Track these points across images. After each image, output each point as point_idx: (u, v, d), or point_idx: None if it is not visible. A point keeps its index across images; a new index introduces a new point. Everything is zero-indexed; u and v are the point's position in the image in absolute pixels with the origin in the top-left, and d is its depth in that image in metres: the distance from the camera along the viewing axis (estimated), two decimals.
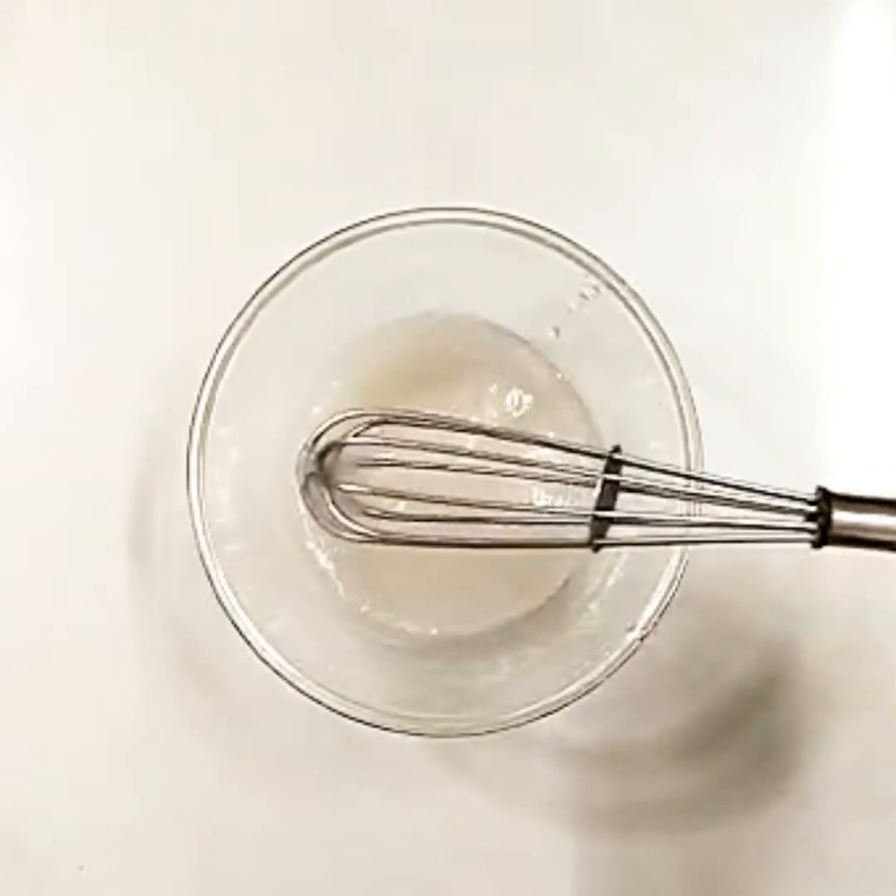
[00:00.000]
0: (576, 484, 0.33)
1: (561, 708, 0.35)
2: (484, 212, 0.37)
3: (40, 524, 0.44)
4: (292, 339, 0.39)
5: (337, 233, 0.37)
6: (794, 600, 0.44)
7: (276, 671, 0.35)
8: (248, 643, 0.35)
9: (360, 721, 0.35)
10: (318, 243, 0.37)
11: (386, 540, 0.33)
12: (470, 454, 0.34)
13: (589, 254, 0.37)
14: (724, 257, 0.46)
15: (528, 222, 0.37)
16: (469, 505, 0.33)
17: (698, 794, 0.43)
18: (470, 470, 0.34)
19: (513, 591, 0.41)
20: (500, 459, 0.33)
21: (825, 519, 0.29)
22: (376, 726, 0.35)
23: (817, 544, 0.29)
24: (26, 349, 0.45)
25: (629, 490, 0.32)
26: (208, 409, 0.36)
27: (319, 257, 0.37)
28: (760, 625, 0.44)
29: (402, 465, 0.34)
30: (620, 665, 0.35)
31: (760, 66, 0.47)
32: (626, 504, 0.32)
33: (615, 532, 0.32)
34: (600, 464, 0.32)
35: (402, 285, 0.40)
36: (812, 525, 0.29)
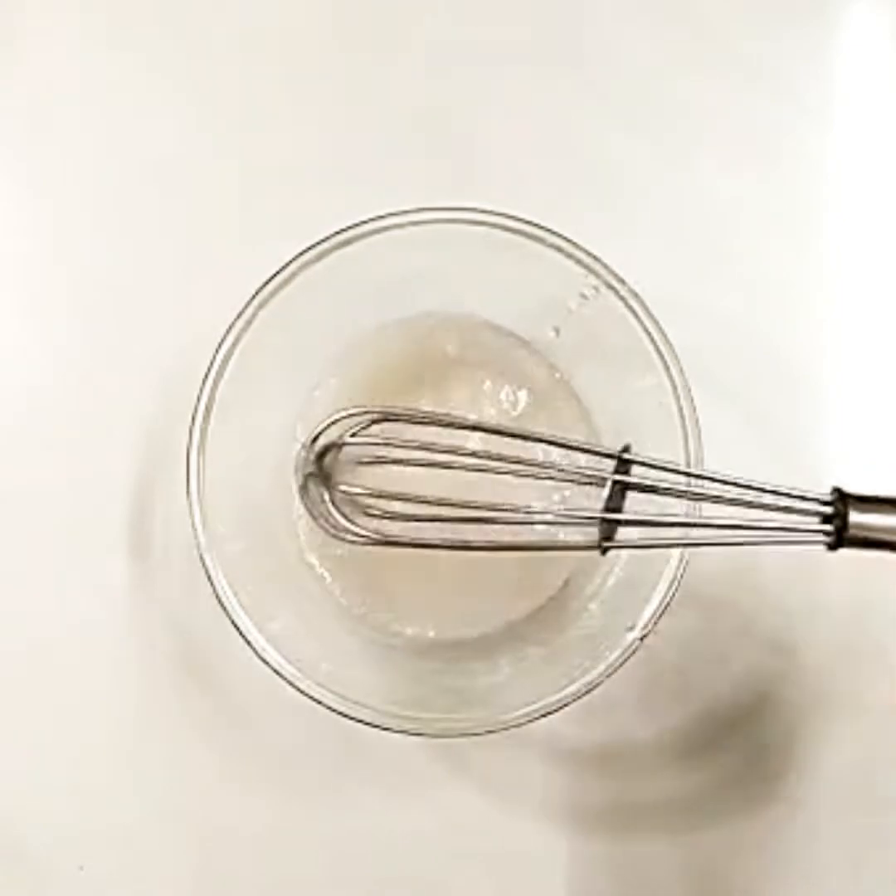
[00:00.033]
0: (582, 483, 0.33)
1: (561, 708, 0.35)
2: (484, 212, 0.37)
3: (40, 524, 0.44)
4: (292, 339, 0.39)
5: (337, 233, 0.37)
6: (794, 600, 0.44)
7: (276, 671, 0.35)
8: (248, 643, 0.35)
9: (360, 721, 0.35)
10: (318, 243, 0.37)
11: (387, 542, 0.33)
12: (472, 454, 0.33)
13: (589, 254, 0.37)
14: (724, 257, 0.46)
15: (528, 222, 0.37)
16: (476, 507, 0.32)
17: (698, 794, 0.43)
18: (473, 469, 0.34)
19: (512, 592, 0.41)
20: (501, 459, 0.33)
21: (841, 520, 0.28)
22: (376, 726, 0.35)
23: (833, 547, 0.28)
24: (26, 349, 0.45)
25: (644, 489, 0.31)
26: (208, 409, 0.36)
27: (319, 257, 0.37)
28: (760, 625, 0.44)
29: (403, 463, 0.34)
30: (620, 665, 0.35)
31: (760, 66, 0.47)
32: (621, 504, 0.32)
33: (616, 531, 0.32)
34: (598, 464, 0.32)
35: (401, 285, 0.40)
36: (828, 527, 0.28)
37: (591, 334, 0.39)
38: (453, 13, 0.48)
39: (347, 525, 0.33)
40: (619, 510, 0.32)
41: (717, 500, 0.30)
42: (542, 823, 0.42)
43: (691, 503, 0.33)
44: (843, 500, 0.28)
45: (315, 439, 0.34)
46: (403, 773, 0.42)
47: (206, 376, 0.36)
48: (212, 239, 0.46)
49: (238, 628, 0.35)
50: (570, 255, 0.37)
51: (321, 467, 0.34)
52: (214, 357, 0.36)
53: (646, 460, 0.31)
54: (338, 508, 0.34)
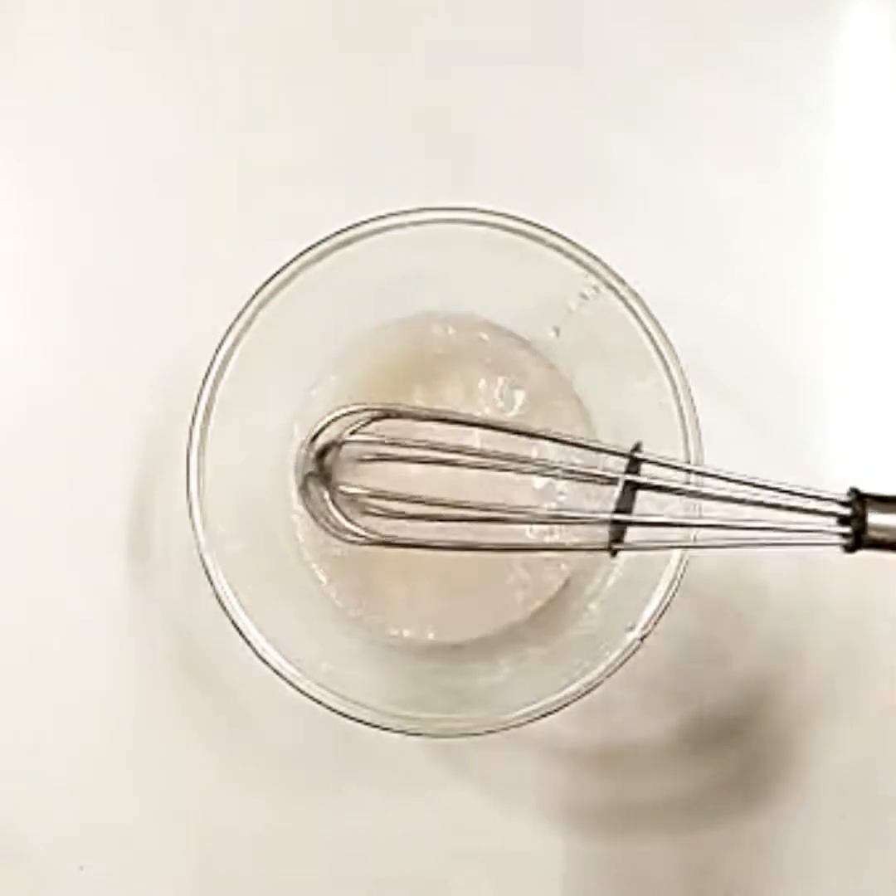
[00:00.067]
0: (588, 482, 0.32)
1: (561, 708, 0.35)
2: (484, 212, 0.37)
3: (40, 524, 0.44)
4: (292, 339, 0.39)
5: (337, 233, 0.37)
6: (794, 600, 0.44)
7: (276, 671, 0.35)
8: (248, 643, 0.35)
9: (360, 721, 0.35)
10: (318, 243, 0.37)
11: (388, 542, 0.33)
12: (479, 452, 0.33)
13: (589, 254, 0.37)
14: (724, 257, 0.46)
15: (528, 222, 0.37)
16: (484, 507, 0.32)
17: (698, 794, 0.43)
18: (476, 467, 0.33)
19: (512, 592, 0.41)
20: (509, 457, 0.33)
21: (860, 522, 0.27)
22: (376, 726, 0.35)
23: (851, 548, 0.28)
24: (26, 349, 0.45)
25: (656, 489, 0.31)
26: (208, 409, 0.36)
27: (319, 257, 0.37)
28: (760, 625, 0.44)
29: (405, 460, 0.34)
30: (620, 665, 0.35)
31: (760, 66, 0.47)
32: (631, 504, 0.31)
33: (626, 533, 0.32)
34: (599, 462, 0.32)
35: (401, 285, 0.40)
36: (846, 528, 0.28)
37: (591, 334, 0.39)
38: (453, 13, 0.48)
39: (347, 525, 0.33)
40: (629, 510, 0.31)
41: (730, 500, 0.29)
42: (542, 823, 0.42)
43: (691, 502, 0.33)
44: (860, 500, 0.28)
45: (314, 438, 0.33)
46: (403, 773, 0.42)
47: (206, 376, 0.36)
48: (212, 239, 0.46)
49: (238, 628, 0.35)
50: (570, 255, 0.37)
51: (321, 466, 0.34)
52: (214, 357, 0.36)
53: (658, 459, 0.31)
54: (338, 508, 0.33)
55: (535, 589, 0.41)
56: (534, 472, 0.33)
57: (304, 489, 0.34)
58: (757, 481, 0.29)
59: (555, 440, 0.33)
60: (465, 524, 0.33)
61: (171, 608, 0.43)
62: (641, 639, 0.35)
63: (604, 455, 0.33)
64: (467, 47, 0.47)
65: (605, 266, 0.37)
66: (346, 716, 0.35)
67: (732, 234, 0.46)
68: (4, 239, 0.46)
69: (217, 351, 0.36)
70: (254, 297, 0.37)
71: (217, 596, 0.35)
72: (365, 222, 0.37)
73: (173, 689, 0.42)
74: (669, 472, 0.31)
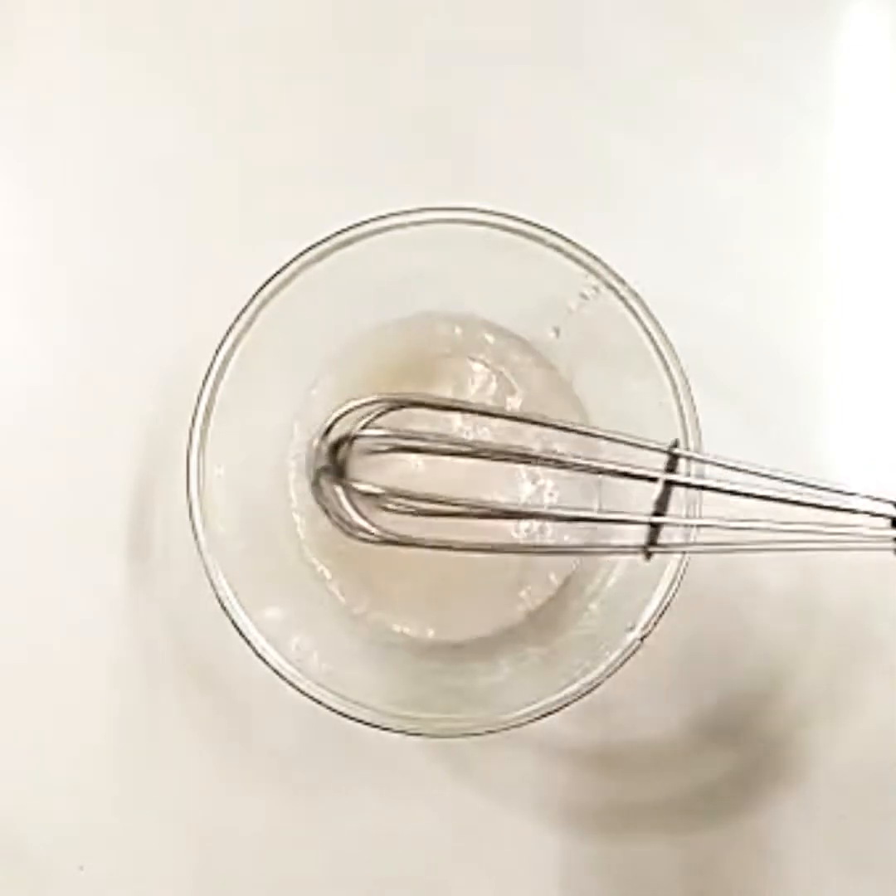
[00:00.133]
0: (621, 477, 0.31)
1: (561, 708, 0.35)
2: (484, 212, 0.37)
3: (40, 524, 0.44)
4: (292, 339, 0.39)
5: (337, 233, 0.37)
6: (794, 600, 0.44)
7: (276, 671, 0.35)
8: (248, 643, 0.35)
9: (360, 721, 0.35)
10: (319, 243, 0.37)
11: (406, 542, 0.32)
12: (501, 448, 0.32)
13: (589, 254, 0.37)
14: (724, 257, 0.46)
15: (528, 222, 0.37)
16: (509, 505, 0.31)
17: (697, 794, 0.43)
18: (497, 459, 0.32)
19: (513, 592, 0.41)
20: (521, 451, 0.32)
21: None
22: (376, 726, 0.35)
23: None
24: (26, 349, 0.45)
25: (697, 488, 0.30)
26: (208, 410, 0.36)
27: (320, 257, 0.37)
28: (760, 624, 0.44)
29: (420, 451, 0.33)
30: (620, 665, 0.35)
31: (760, 66, 0.47)
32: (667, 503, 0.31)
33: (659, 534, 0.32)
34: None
35: (402, 285, 0.40)
36: None
37: (591, 334, 0.39)
38: (453, 13, 0.48)
39: (361, 522, 0.32)
40: (664, 510, 0.30)
41: (785, 501, 0.28)
42: (542, 823, 0.42)
43: (690, 502, 0.33)
44: None
45: (328, 430, 0.33)
46: (403, 773, 0.42)
47: (206, 377, 0.36)
48: (212, 239, 0.46)
49: (238, 628, 0.35)
50: (569, 255, 0.37)
51: (335, 461, 0.33)
52: (214, 357, 0.36)
53: (702, 457, 0.30)
54: (352, 504, 0.33)
55: (536, 588, 0.41)
56: (558, 467, 0.32)
57: (316, 485, 0.33)
58: (807, 481, 0.28)
59: (587, 434, 0.33)
60: (472, 523, 0.32)
61: (171, 608, 0.43)
62: (641, 639, 0.35)
63: (599, 451, 0.33)
64: (467, 47, 0.47)
65: (605, 266, 0.37)
66: (346, 716, 0.35)
67: (732, 234, 0.46)
68: (4, 239, 0.46)
69: (217, 351, 0.36)
70: (254, 297, 0.37)
71: (217, 596, 0.36)
72: (365, 222, 0.37)
73: (173, 689, 0.42)
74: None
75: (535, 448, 0.35)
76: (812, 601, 0.44)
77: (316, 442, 0.33)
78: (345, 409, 0.32)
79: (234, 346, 0.37)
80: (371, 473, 0.33)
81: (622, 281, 0.37)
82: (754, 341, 0.45)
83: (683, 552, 0.33)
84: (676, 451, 0.30)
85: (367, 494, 0.32)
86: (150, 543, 0.43)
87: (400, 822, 0.42)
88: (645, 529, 0.32)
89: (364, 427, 0.33)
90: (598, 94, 0.47)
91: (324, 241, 0.37)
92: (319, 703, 0.35)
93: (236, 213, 0.46)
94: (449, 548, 0.32)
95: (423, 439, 0.32)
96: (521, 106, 0.47)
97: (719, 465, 0.30)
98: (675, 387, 0.36)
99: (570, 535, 0.41)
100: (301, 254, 0.37)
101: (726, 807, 0.43)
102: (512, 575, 0.41)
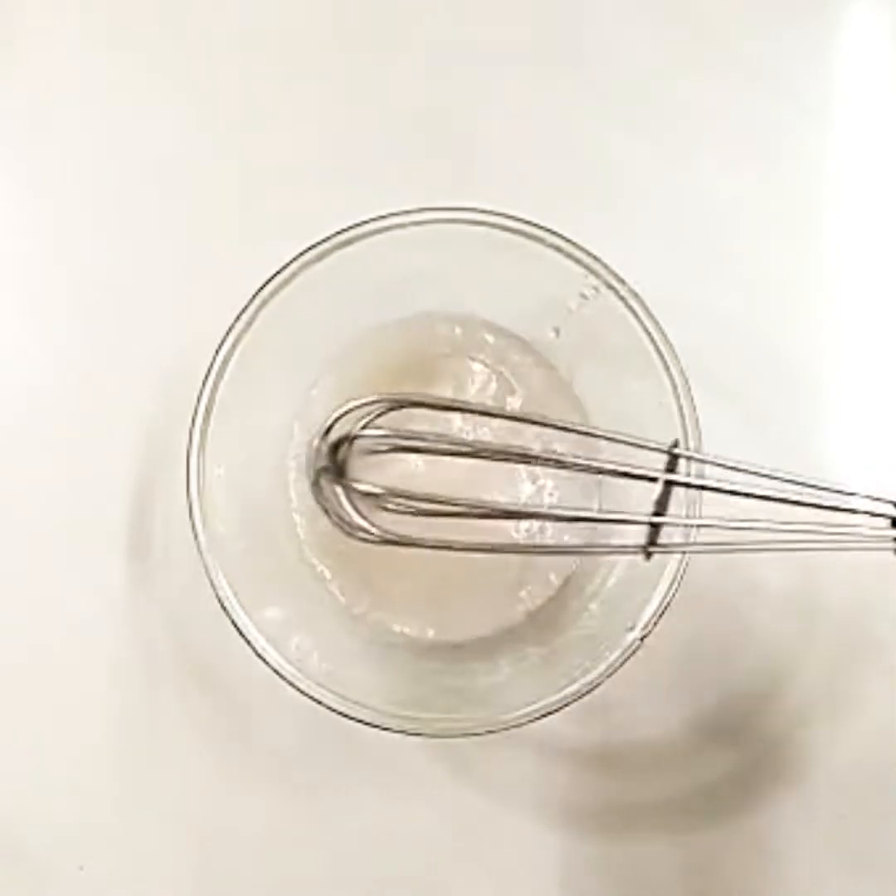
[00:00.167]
0: (621, 477, 0.31)
1: (561, 708, 0.35)
2: (484, 212, 0.37)
3: (40, 524, 0.44)
4: (292, 339, 0.39)
5: (337, 233, 0.37)
6: (794, 600, 0.44)
7: (276, 671, 0.35)
8: (248, 643, 0.35)
9: (360, 721, 0.35)
10: (319, 243, 0.37)
11: (406, 542, 0.32)
12: (502, 447, 0.32)
13: (589, 254, 0.37)
14: (724, 257, 0.46)
15: (528, 222, 0.37)
16: (510, 506, 0.31)
17: (697, 794, 0.43)
18: (499, 459, 0.32)
19: (512, 592, 0.41)
20: (522, 451, 0.32)
21: None
22: (376, 726, 0.35)
23: None
24: (26, 349, 0.45)
25: (697, 488, 0.30)
26: (208, 410, 0.36)
27: (320, 257, 0.37)
28: (760, 624, 0.44)
29: (420, 451, 0.33)
30: (620, 665, 0.35)
31: (760, 66, 0.47)
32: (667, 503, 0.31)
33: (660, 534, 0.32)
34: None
35: (402, 285, 0.40)
36: None
37: (591, 334, 0.39)
38: (453, 13, 0.48)
39: (361, 522, 0.32)
40: (664, 510, 0.30)
41: (786, 501, 0.28)
42: (542, 823, 0.42)
43: (689, 502, 0.33)
44: None
45: (328, 430, 0.32)
46: (403, 773, 0.42)
47: (206, 377, 0.36)
48: (212, 239, 0.46)
49: (238, 628, 0.35)
50: (569, 255, 0.37)
51: (335, 461, 0.33)
52: (214, 357, 0.36)
53: (702, 457, 0.30)
54: (352, 504, 0.33)
55: (536, 588, 0.41)
56: (558, 467, 0.32)
57: (316, 485, 0.33)
58: (808, 481, 0.28)
59: (587, 434, 0.33)
60: (472, 523, 0.32)
61: (171, 608, 0.43)
62: (641, 639, 0.35)
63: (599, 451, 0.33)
64: (467, 47, 0.47)
65: (605, 266, 0.37)
66: (346, 716, 0.35)
67: (732, 234, 0.46)
68: (4, 239, 0.46)
69: (217, 351, 0.36)
70: (254, 297, 0.37)
71: (217, 596, 0.36)
72: (365, 222, 0.37)
73: (173, 689, 0.42)
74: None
75: (536, 448, 0.34)
76: (812, 601, 0.44)
77: (316, 442, 0.33)
78: (345, 409, 0.32)
79: (234, 346, 0.37)
80: (371, 473, 0.33)
81: (622, 281, 0.37)
82: (754, 341, 0.45)
83: (683, 552, 0.33)
84: (676, 451, 0.30)
85: (368, 494, 0.32)
86: (150, 543, 0.43)
87: (400, 822, 0.42)
88: (645, 529, 0.32)
89: (364, 427, 0.33)
90: (598, 94, 0.47)
91: (324, 241, 0.37)
92: (319, 703, 0.35)
93: (236, 213, 0.46)
94: (449, 548, 0.32)
95: (423, 439, 0.32)
96: (521, 106, 0.47)
97: (719, 465, 0.30)
98: (675, 387, 0.36)
99: (570, 535, 0.41)
100: (301, 254, 0.37)
101: (726, 807, 0.43)
102: (512, 575, 0.41)
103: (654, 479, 0.30)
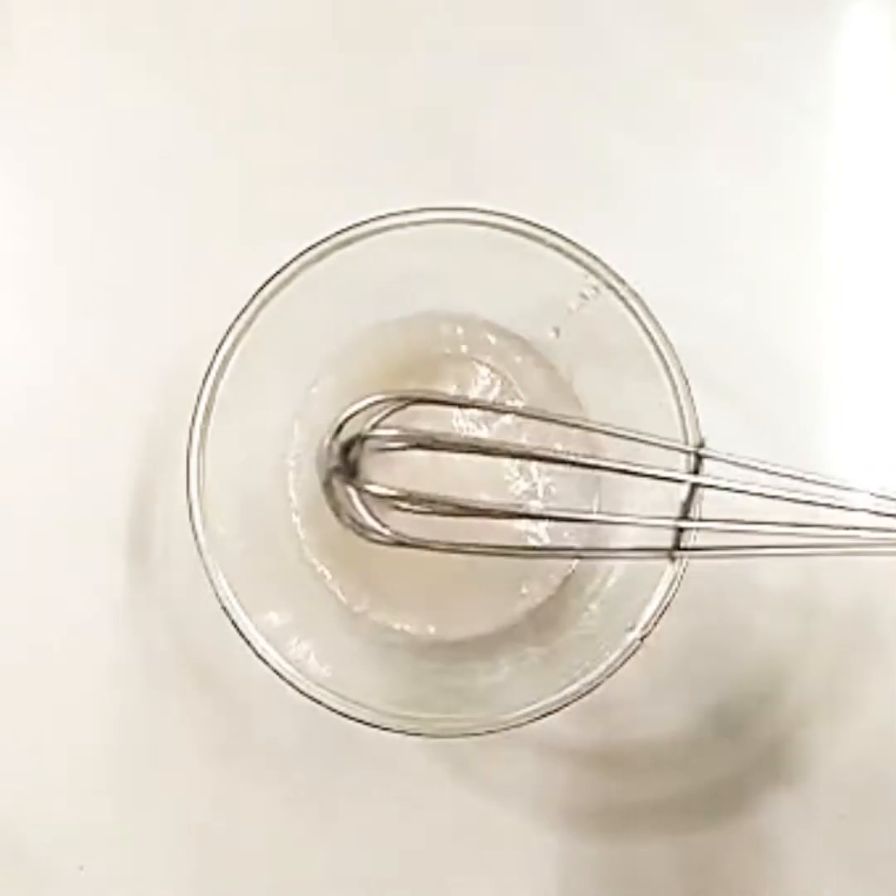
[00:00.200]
0: (643, 477, 0.31)
1: (561, 708, 0.35)
2: (484, 212, 0.37)
3: (40, 524, 0.44)
4: (292, 338, 0.39)
5: (337, 233, 0.37)
6: (794, 600, 0.44)
7: (276, 671, 0.35)
8: (248, 643, 0.35)
9: (360, 721, 0.35)
10: (319, 243, 0.37)
11: (420, 545, 0.32)
12: (513, 446, 0.32)
13: (589, 254, 0.37)
14: (724, 257, 0.46)
15: (528, 222, 0.37)
16: (530, 512, 0.31)
17: (697, 794, 0.43)
18: (517, 456, 0.32)
19: (512, 591, 0.41)
20: (538, 449, 0.32)
21: None
22: (376, 726, 0.35)
23: None
24: (26, 349, 0.45)
25: (731, 491, 0.29)
26: (208, 409, 0.36)
27: (320, 257, 0.37)
28: (760, 624, 0.44)
29: (432, 448, 0.33)
30: (620, 665, 0.35)
31: (760, 66, 0.47)
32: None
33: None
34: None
35: (401, 285, 0.40)
36: None
37: (591, 334, 0.39)
38: (453, 13, 0.48)
39: (373, 524, 0.32)
40: (689, 512, 0.30)
41: (811, 503, 0.28)
42: (542, 823, 0.42)
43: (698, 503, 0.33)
44: None
45: (339, 428, 0.32)
46: (403, 773, 0.42)
47: (206, 376, 0.36)
48: (212, 239, 0.46)
49: (238, 628, 0.35)
50: (569, 255, 0.37)
51: (347, 461, 0.33)
52: (214, 357, 0.36)
53: (725, 458, 0.29)
54: (364, 505, 0.32)
55: (536, 586, 0.41)
56: (573, 466, 0.31)
57: (327, 485, 0.33)
58: (831, 482, 0.28)
59: (607, 433, 0.32)
60: (483, 522, 0.32)
61: (171, 608, 0.43)
62: (641, 639, 0.35)
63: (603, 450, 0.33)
64: (467, 47, 0.47)
65: (605, 266, 0.37)
66: (346, 716, 0.35)
67: (732, 234, 0.46)
68: (4, 239, 0.46)
69: (217, 351, 0.36)
70: (254, 297, 0.37)
71: (217, 596, 0.36)
72: (365, 222, 0.37)
73: (173, 689, 0.42)
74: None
75: (545, 447, 0.34)
76: (812, 601, 0.44)
77: (327, 441, 0.32)
78: (357, 407, 0.32)
79: (234, 345, 0.37)
80: (377, 471, 0.33)
81: (622, 281, 0.37)
82: (754, 341, 0.45)
83: (710, 558, 0.33)
84: (703, 451, 0.30)
85: (382, 496, 0.32)
86: (150, 543, 0.43)
87: (400, 822, 0.42)
88: (644, 530, 0.32)
89: (374, 426, 0.32)
90: (598, 94, 0.47)
91: (324, 241, 0.37)
92: (319, 703, 0.35)
93: (236, 213, 0.46)
94: (462, 551, 0.31)
95: (436, 438, 0.32)
96: (521, 106, 0.47)
97: (745, 466, 0.29)
98: (675, 387, 0.36)
99: (568, 532, 0.41)
100: (301, 254, 0.37)
101: (726, 807, 0.43)
102: (513, 572, 0.41)
103: (681, 481, 0.30)
